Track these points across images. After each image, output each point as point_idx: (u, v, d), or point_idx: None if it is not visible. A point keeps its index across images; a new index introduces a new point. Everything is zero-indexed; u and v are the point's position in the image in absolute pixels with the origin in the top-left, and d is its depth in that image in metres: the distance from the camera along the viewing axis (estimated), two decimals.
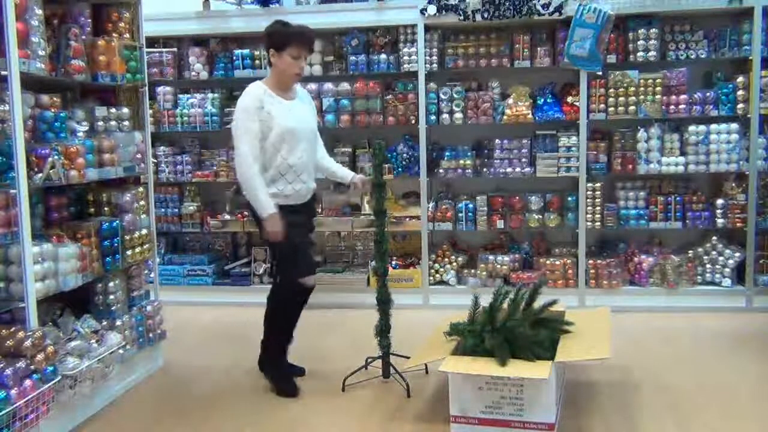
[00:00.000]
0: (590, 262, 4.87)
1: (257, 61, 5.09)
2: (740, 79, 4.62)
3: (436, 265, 5.09)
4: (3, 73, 2.71)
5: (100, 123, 3.49)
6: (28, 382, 2.73)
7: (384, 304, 3.49)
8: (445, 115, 4.94)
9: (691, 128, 4.72)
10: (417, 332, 3.80)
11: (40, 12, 2.93)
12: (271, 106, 3.34)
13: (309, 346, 3.98)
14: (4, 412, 2.57)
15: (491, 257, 5.01)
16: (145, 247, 3.69)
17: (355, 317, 4.60)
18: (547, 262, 4.94)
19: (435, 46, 4.90)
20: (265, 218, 3.31)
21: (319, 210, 4.93)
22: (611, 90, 4.74)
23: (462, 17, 4.73)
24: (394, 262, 5.07)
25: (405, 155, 5.03)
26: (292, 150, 3.37)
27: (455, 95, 4.91)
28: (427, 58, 4.88)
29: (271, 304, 3.57)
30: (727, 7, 4.54)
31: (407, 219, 5.11)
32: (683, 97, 4.70)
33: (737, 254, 4.72)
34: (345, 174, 3.73)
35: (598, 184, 4.85)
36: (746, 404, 3.23)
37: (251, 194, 3.32)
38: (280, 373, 3.57)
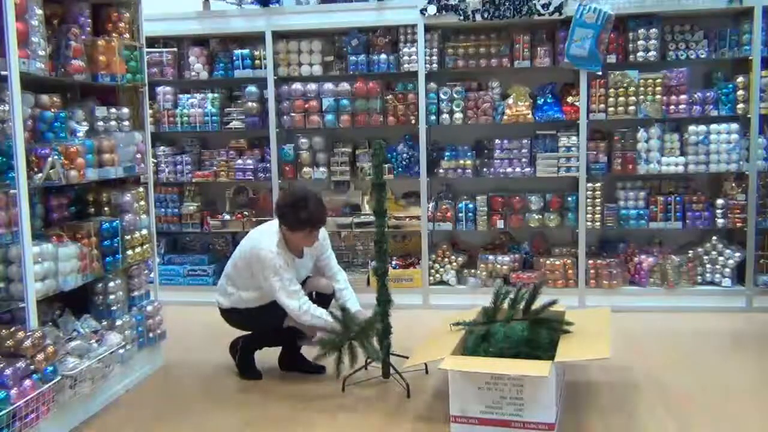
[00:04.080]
0: (590, 262, 4.87)
1: (257, 61, 5.09)
2: (740, 79, 4.62)
3: (436, 265, 5.09)
4: (3, 73, 2.71)
5: (100, 123, 3.49)
6: (28, 382, 2.73)
7: (384, 304, 3.49)
8: (445, 115, 4.94)
9: (691, 128, 4.72)
10: (417, 332, 3.80)
11: (40, 12, 2.93)
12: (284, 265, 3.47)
13: (309, 346, 3.97)
14: (4, 412, 2.57)
15: (491, 257, 5.01)
16: (145, 247, 3.69)
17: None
18: (547, 262, 4.94)
19: (435, 46, 4.90)
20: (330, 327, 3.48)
21: None
22: (611, 90, 4.74)
23: (462, 17, 4.73)
24: (394, 262, 5.07)
25: (405, 155, 5.03)
26: None
27: (455, 95, 4.92)
28: (427, 58, 4.88)
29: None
30: (727, 7, 4.54)
31: (407, 219, 5.11)
32: (683, 97, 4.70)
33: (737, 254, 4.72)
34: (351, 307, 3.69)
35: (598, 184, 4.85)
36: (746, 404, 3.23)
37: (323, 327, 3.47)
38: (246, 363, 3.77)
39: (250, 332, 3.77)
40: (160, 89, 5.28)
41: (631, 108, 4.74)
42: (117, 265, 3.47)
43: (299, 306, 3.43)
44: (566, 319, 3.34)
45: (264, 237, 3.52)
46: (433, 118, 4.94)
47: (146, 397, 3.54)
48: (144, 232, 3.70)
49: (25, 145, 2.80)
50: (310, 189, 3.75)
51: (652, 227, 4.86)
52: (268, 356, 3.79)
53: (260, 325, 3.68)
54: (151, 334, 3.78)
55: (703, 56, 4.72)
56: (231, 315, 3.71)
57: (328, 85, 5.03)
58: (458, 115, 4.92)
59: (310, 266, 3.75)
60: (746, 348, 4.00)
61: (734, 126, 4.65)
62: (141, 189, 3.73)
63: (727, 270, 4.76)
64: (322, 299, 3.68)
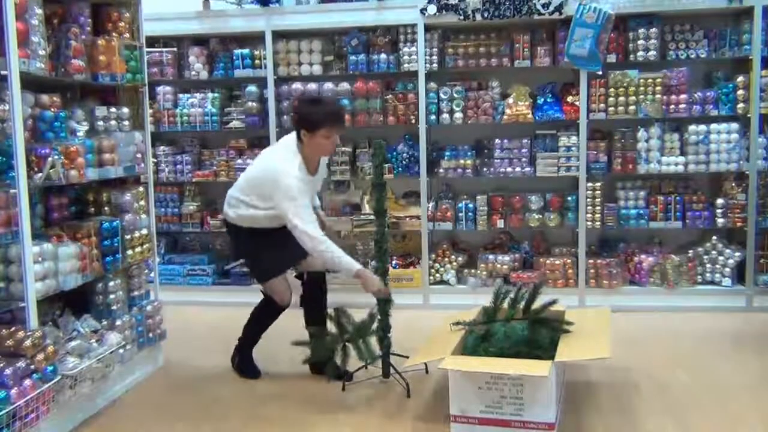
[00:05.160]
0: (590, 261, 4.87)
1: (257, 61, 5.09)
2: (740, 78, 4.62)
3: (436, 264, 5.09)
4: (3, 73, 2.71)
5: (100, 123, 3.49)
6: (28, 382, 2.73)
7: (384, 304, 3.50)
8: (445, 115, 4.94)
9: (691, 128, 4.72)
10: (417, 332, 3.80)
11: (40, 12, 2.93)
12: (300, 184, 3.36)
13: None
14: (4, 411, 2.57)
15: (491, 257, 5.01)
16: (145, 247, 3.70)
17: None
18: (547, 261, 4.94)
19: (435, 46, 4.90)
20: (355, 276, 3.36)
21: None
22: (611, 90, 4.74)
23: (462, 17, 4.73)
24: (394, 262, 5.07)
25: (405, 155, 5.03)
26: None
27: (455, 95, 4.91)
28: (427, 57, 4.88)
29: (256, 309, 3.77)
30: (727, 7, 4.54)
31: (407, 219, 5.11)
32: (683, 96, 4.69)
33: (737, 254, 4.72)
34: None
35: (598, 184, 4.85)
36: (746, 404, 3.23)
37: (332, 263, 3.36)
38: (245, 363, 3.77)
39: (246, 329, 3.75)
40: (160, 89, 5.28)
41: (631, 108, 4.73)
42: (117, 265, 3.47)
43: (315, 231, 3.28)
44: (566, 319, 3.34)
45: (283, 157, 3.39)
46: (433, 117, 4.94)
47: (146, 397, 3.54)
48: (144, 231, 3.70)
49: (25, 144, 2.80)
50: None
51: (652, 227, 4.86)
52: (267, 357, 3.78)
53: (266, 258, 3.56)
54: (151, 334, 3.78)
55: (703, 56, 4.72)
56: (238, 235, 3.61)
57: (328, 85, 5.03)
58: (458, 115, 4.92)
59: (318, 188, 3.70)
60: (746, 348, 4.00)
61: (734, 126, 4.65)
62: (141, 189, 3.72)
63: (727, 270, 4.76)
64: (314, 279, 3.70)
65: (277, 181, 3.31)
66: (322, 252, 3.30)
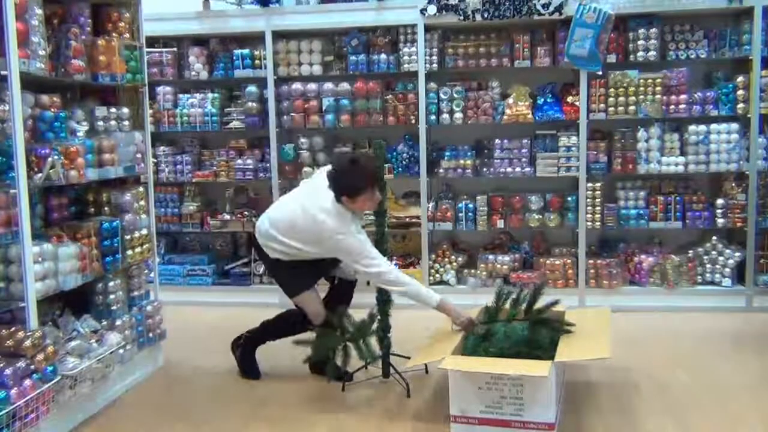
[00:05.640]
0: (590, 262, 4.87)
1: (257, 61, 5.09)
2: (740, 79, 4.62)
3: (436, 265, 5.09)
4: (3, 73, 2.71)
5: (100, 123, 3.49)
6: (28, 382, 2.73)
7: (384, 304, 3.50)
8: (445, 115, 4.94)
9: (691, 128, 4.72)
10: (417, 332, 3.80)
11: (40, 12, 2.93)
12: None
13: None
14: (4, 412, 2.57)
15: (491, 257, 5.01)
16: (144, 247, 3.69)
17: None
18: (547, 262, 4.94)
19: (435, 46, 4.90)
20: (438, 309, 3.36)
21: None
22: (611, 90, 4.74)
23: (462, 17, 4.73)
24: (394, 262, 5.06)
25: (405, 155, 5.03)
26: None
27: (455, 95, 4.91)
28: (427, 58, 4.88)
29: (287, 317, 3.70)
30: (727, 7, 4.54)
31: (407, 219, 5.11)
32: (683, 97, 4.69)
33: (737, 254, 4.72)
34: None
35: (598, 184, 4.85)
36: (746, 404, 3.23)
37: (415, 299, 3.36)
38: (248, 360, 3.74)
39: (265, 326, 3.72)
40: (160, 89, 5.28)
41: (631, 108, 4.73)
42: (117, 265, 3.47)
43: (392, 274, 3.27)
44: (566, 319, 3.34)
45: (335, 213, 3.27)
46: (433, 117, 4.94)
47: (146, 397, 3.54)
48: (144, 232, 3.70)
49: (25, 145, 2.80)
50: (354, 154, 3.55)
51: (652, 227, 4.86)
52: (267, 357, 3.79)
53: (295, 273, 3.50)
54: (151, 334, 3.78)
55: (703, 56, 4.72)
56: (267, 258, 3.55)
57: (328, 85, 5.03)
58: (458, 115, 4.92)
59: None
60: (746, 348, 4.00)
61: (734, 126, 4.65)
62: (141, 189, 3.72)
63: (727, 270, 4.76)
64: (343, 286, 3.69)
65: (338, 242, 3.25)
66: (402, 290, 3.32)
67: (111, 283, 3.47)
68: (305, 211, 3.35)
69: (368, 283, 4.98)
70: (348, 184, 3.28)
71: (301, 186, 3.68)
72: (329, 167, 3.48)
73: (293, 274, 3.50)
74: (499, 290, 3.45)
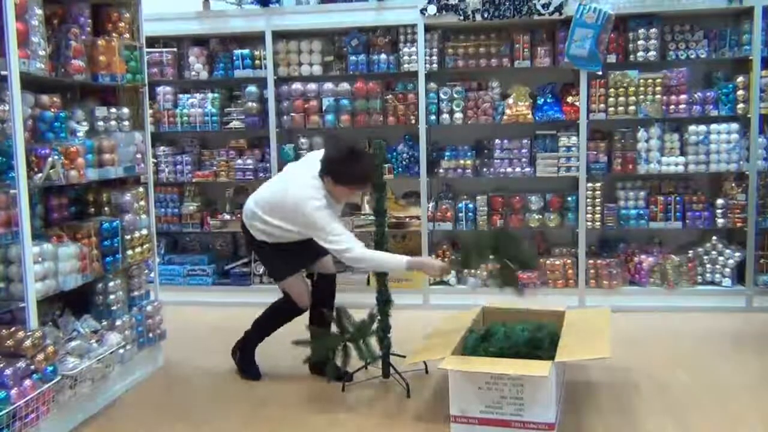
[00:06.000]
0: (590, 262, 4.87)
1: (257, 61, 5.09)
2: (740, 79, 4.62)
3: None
4: (3, 73, 2.71)
5: (100, 123, 3.49)
6: (28, 382, 2.73)
7: (384, 304, 3.50)
8: (445, 115, 4.94)
9: (691, 128, 4.72)
10: (417, 332, 3.80)
11: (40, 12, 2.93)
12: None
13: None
14: (4, 412, 2.57)
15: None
16: (145, 247, 3.69)
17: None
18: (547, 262, 4.94)
19: (435, 46, 4.90)
20: (409, 269, 3.39)
21: None
22: (611, 90, 4.74)
23: (462, 17, 4.73)
24: None
25: (405, 155, 5.03)
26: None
27: (455, 95, 4.91)
28: (427, 58, 4.88)
29: (275, 307, 3.72)
30: (727, 7, 4.54)
31: (407, 219, 5.11)
32: (683, 97, 4.69)
33: (737, 254, 4.72)
34: None
35: (598, 184, 4.85)
36: (746, 404, 3.23)
37: (381, 268, 3.41)
38: (247, 361, 3.75)
39: (257, 324, 3.73)
40: (160, 89, 5.28)
41: (631, 108, 4.73)
42: (117, 265, 3.47)
43: (356, 249, 3.21)
44: (566, 319, 3.35)
45: (309, 185, 3.30)
46: (433, 118, 4.94)
47: (146, 397, 3.54)
48: (144, 232, 3.70)
49: (25, 145, 2.80)
50: (357, 143, 3.57)
51: (652, 227, 4.86)
52: (267, 357, 3.79)
53: (281, 258, 3.53)
54: (151, 334, 3.78)
55: (703, 56, 4.72)
56: (253, 240, 3.57)
57: (328, 85, 5.03)
58: (458, 115, 4.92)
59: (339, 212, 3.56)
60: (746, 348, 4.00)
61: (734, 126, 4.65)
62: (141, 189, 3.72)
63: (727, 270, 4.76)
64: (325, 280, 3.70)
65: (305, 214, 3.26)
66: (369, 265, 3.38)
67: (111, 283, 3.47)
68: (285, 183, 3.46)
69: (368, 282, 5.02)
70: (338, 171, 3.30)
71: (288, 167, 3.73)
72: (322, 151, 3.51)
73: (279, 257, 3.55)
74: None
